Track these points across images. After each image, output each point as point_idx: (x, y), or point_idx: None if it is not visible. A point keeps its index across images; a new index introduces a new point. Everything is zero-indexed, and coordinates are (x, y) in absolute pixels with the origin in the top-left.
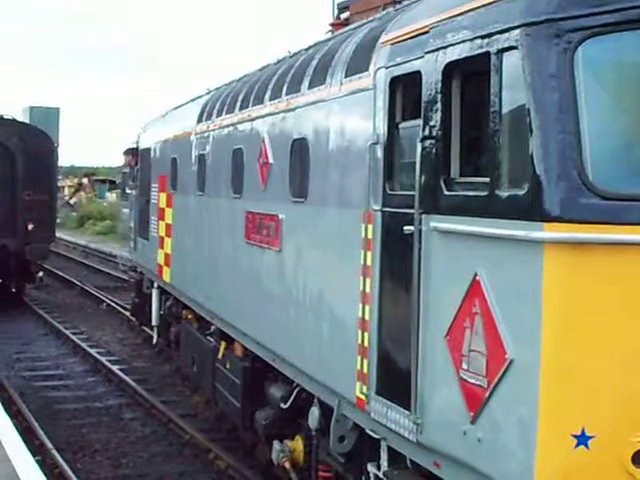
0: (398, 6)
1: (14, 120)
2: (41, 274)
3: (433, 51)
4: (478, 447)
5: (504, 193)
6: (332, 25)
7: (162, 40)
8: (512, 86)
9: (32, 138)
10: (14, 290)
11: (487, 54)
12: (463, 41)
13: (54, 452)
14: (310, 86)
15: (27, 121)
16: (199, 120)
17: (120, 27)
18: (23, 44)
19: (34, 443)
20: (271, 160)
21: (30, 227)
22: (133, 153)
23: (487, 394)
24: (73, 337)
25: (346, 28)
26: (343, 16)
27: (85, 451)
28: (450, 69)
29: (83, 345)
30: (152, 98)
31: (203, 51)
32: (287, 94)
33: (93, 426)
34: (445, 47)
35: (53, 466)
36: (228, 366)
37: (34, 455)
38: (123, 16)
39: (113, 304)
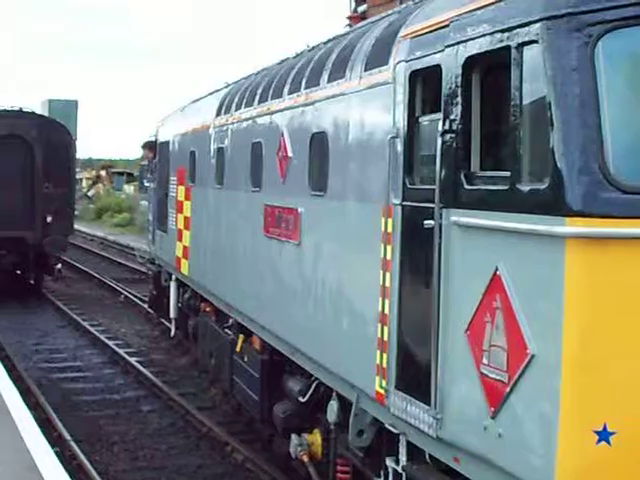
0: (417, 0)
1: (33, 113)
2: (59, 266)
3: (453, 45)
4: (499, 442)
5: (525, 187)
6: (349, 18)
7: (180, 33)
8: (533, 80)
9: (51, 131)
10: (32, 282)
11: (507, 48)
12: (483, 35)
13: (72, 444)
14: (329, 80)
15: (46, 114)
16: (218, 113)
17: (139, 19)
18: (41, 38)
19: (52, 435)
20: (290, 154)
21: (49, 219)
22: (151, 146)
23: (508, 389)
24: (91, 329)
25: (365, 21)
26: (360, 9)
27: (103, 443)
28: (470, 63)
29: (101, 337)
30: (170, 91)
31: (221, 44)
32: (306, 88)
33: (111, 418)
34: (465, 41)
35: (71, 458)
36: (246, 359)
37: (52, 446)
38: (141, 8)
39: (131, 296)
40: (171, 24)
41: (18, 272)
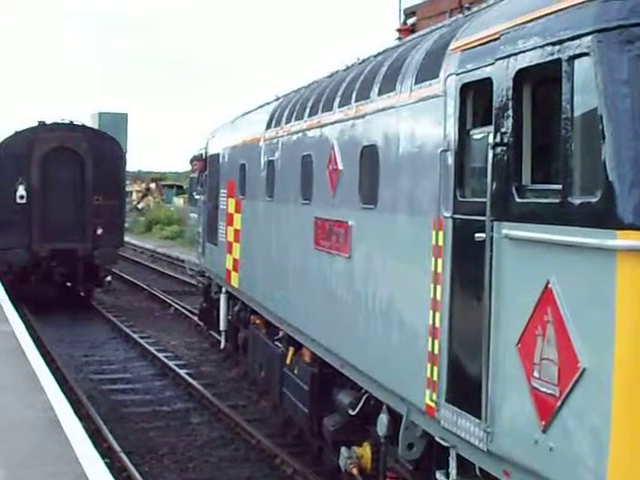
0: (467, 12)
1: (83, 126)
2: (109, 278)
3: (504, 58)
4: (549, 456)
5: (576, 200)
6: (399, 31)
7: (228, 47)
8: (584, 93)
9: (101, 144)
10: (83, 294)
11: (558, 61)
12: (534, 48)
13: (122, 455)
14: (380, 93)
15: (96, 127)
16: (268, 126)
17: (185, 34)
18: (91, 50)
19: (102, 446)
20: (340, 167)
21: (99, 232)
22: (201, 159)
23: (559, 403)
24: (141, 341)
25: (415, 34)
26: (410, 21)
27: (152, 455)
28: (521, 76)
29: (151, 349)
30: (218, 105)
31: (269, 59)
32: (356, 101)
33: (160, 430)
34: (516, 54)
35: (121, 469)
36: (296, 372)
37: (102, 458)
38: (189, 23)
39: (181, 308)
40: (222, 41)
41: (68, 284)
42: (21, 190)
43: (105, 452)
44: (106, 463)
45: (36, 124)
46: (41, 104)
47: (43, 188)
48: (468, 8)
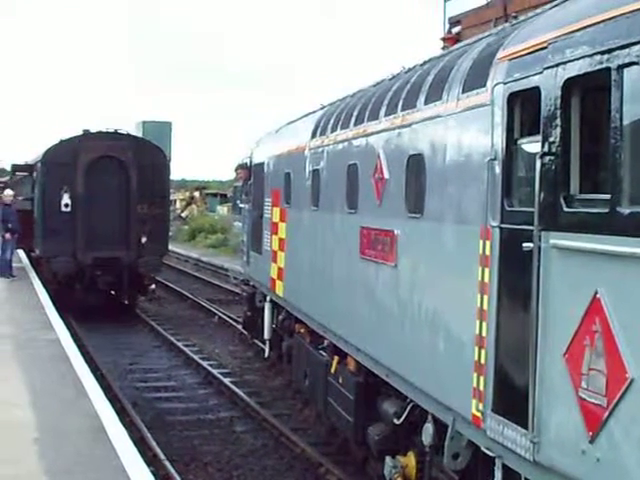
0: (514, 21)
1: (128, 135)
2: (153, 286)
3: (552, 67)
4: (597, 467)
5: (625, 210)
6: (444, 39)
7: (270, 56)
8: (633, 102)
9: (146, 152)
10: (127, 302)
11: (607, 70)
12: (582, 57)
13: (167, 463)
14: (426, 102)
15: (140, 136)
16: (313, 135)
17: (233, 42)
18: (137, 59)
19: (147, 454)
20: (386, 176)
21: (143, 240)
22: (245, 168)
23: (607, 413)
24: (185, 349)
25: (461, 43)
26: (454, 30)
27: (197, 463)
28: (569, 85)
29: (195, 357)
30: (261, 114)
31: (315, 70)
32: (403, 110)
33: (205, 438)
34: (564, 63)
35: (165, 477)
36: (341, 381)
37: (147, 466)
38: (237, 31)
39: (225, 317)
40: (266, 51)
41: (113, 292)
42: (66, 198)
43: (149, 460)
44: (151, 471)
45: (81, 133)
46: (86, 112)
47: (88, 196)
48: (515, 17)
